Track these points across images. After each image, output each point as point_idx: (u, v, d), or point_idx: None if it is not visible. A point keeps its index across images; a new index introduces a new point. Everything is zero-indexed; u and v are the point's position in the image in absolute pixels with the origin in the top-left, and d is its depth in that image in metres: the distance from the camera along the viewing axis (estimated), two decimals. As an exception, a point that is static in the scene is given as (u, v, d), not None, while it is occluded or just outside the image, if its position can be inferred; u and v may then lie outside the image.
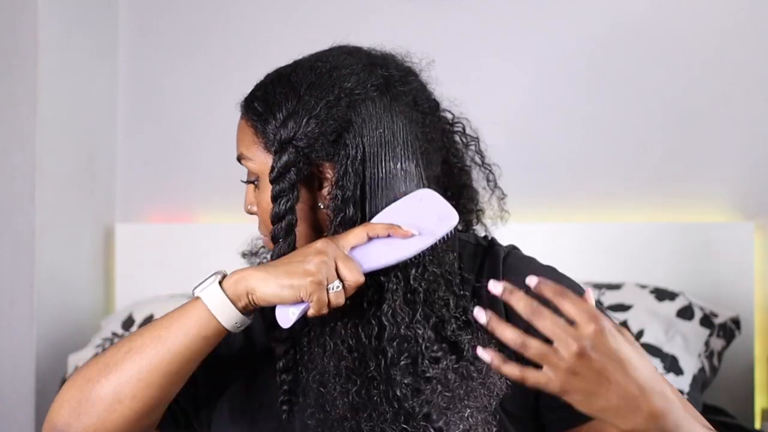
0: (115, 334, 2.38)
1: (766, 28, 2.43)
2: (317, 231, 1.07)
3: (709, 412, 2.08)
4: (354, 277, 0.99)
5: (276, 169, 1.03)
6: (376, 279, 1.03)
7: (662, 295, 2.19)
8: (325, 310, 0.99)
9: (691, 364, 2.04)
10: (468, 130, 1.16)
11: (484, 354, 0.88)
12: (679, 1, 2.49)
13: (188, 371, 1.02)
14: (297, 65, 1.09)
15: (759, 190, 2.41)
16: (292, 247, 1.04)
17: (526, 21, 2.59)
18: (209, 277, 1.01)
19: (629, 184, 2.50)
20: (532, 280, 0.88)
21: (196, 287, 1.01)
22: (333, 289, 0.99)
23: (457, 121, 1.18)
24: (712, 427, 0.97)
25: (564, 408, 0.93)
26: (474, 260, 1.11)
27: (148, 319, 2.38)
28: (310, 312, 0.99)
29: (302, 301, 0.99)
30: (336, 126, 1.03)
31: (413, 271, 1.03)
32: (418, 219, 1.03)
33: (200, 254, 2.66)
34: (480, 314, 0.88)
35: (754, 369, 2.32)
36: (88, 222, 2.74)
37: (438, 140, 1.11)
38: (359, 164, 1.03)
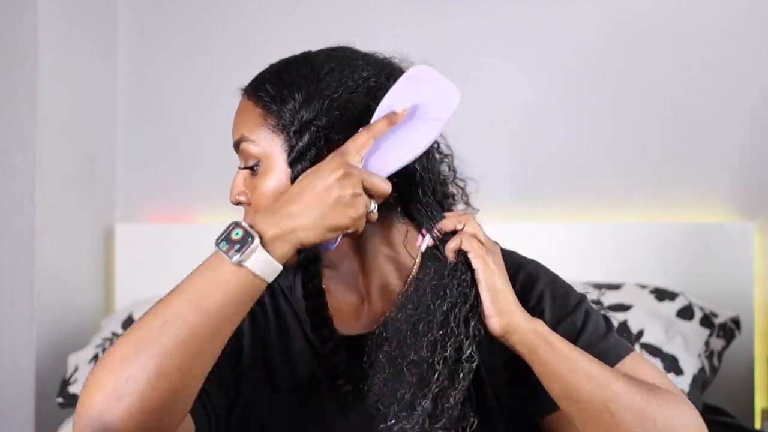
0: (115, 334, 2.38)
1: (766, 28, 2.43)
2: None
3: (709, 412, 2.08)
4: (383, 191, 1.01)
5: (297, 149, 1.03)
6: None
7: (662, 295, 2.19)
8: (361, 230, 1.02)
9: (691, 364, 2.04)
10: (442, 147, 1.15)
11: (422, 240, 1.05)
12: (679, 1, 2.49)
13: (233, 331, 0.98)
14: (308, 54, 1.11)
15: (759, 190, 2.41)
16: None
17: (526, 21, 2.59)
18: (235, 234, 0.95)
19: (629, 184, 2.50)
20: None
21: (231, 253, 0.94)
22: (372, 212, 1.01)
23: None
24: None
25: (539, 396, 1.06)
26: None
27: (148, 319, 2.38)
28: (349, 234, 1.01)
29: None
30: (355, 111, 1.05)
31: (424, 160, 1.07)
32: (420, 102, 1.01)
33: (200, 254, 2.65)
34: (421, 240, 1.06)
35: (754, 369, 2.32)
36: (88, 222, 2.74)
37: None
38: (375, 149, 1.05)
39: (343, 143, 1.04)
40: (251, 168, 1.08)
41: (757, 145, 2.42)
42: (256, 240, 0.94)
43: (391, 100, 1.03)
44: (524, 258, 1.16)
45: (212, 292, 0.94)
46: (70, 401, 2.34)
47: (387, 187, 1.01)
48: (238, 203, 1.11)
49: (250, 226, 0.95)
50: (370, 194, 1.00)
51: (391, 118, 1.02)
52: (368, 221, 1.01)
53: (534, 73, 2.57)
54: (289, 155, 1.04)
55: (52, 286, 2.54)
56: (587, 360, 1.01)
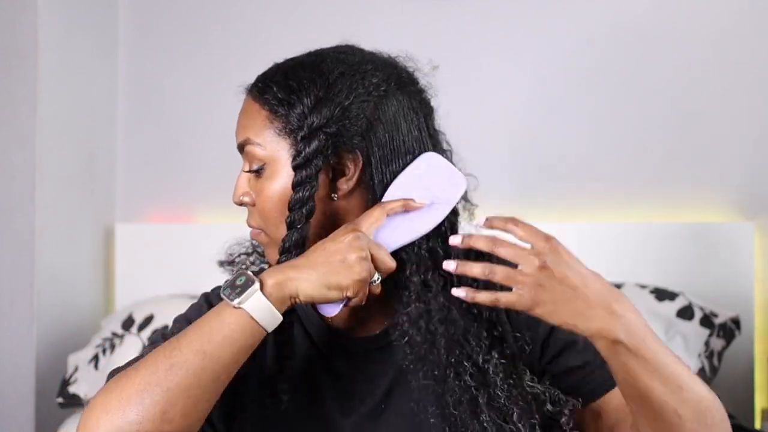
0: (115, 334, 2.38)
1: (766, 28, 2.43)
2: (330, 220, 1.06)
3: (709, 412, 2.08)
4: (388, 266, 1.02)
5: (304, 155, 1.03)
6: (395, 254, 1.05)
7: (662, 295, 2.19)
8: (364, 301, 1.02)
9: (691, 364, 2.04)
10: (443, 143, 1.15)
11: (459, 292, 0.98)
12: (679, 1, 2.49)
13: (232, 376, 1.01)
14: (319, 55, 1.09)
15: (759, 190, 2.41)
16: (305, 235, 1.04)
17: (526, 21, 2.59)
18: (239, 281, 0.99)
19: (629, 184, 2.50)
20: (481, 220, 0.99)
21: (232, 296, 0.98)
22: (374, 282, 1.01)
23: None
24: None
25: (571, 391, 1.05)
26: (467, 255, 1.13)
27: (149, 319, 2.38)
28: (352, 304, 1.01)
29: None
30: (365, 119, 1.04)
31: (435, 241, 1.06)
32: (430, 187, 1.04)
33: (200, 254, 2.65)
34: (448, 264, 0.98)
35: (754, 369, 2.32)
36: (88, 222, 2.74)
37: (437, 143, 1.12)
38: (382, 159, 1.05)
39: (346, 153, 1.04)
40: (256, 171, 1.07)
41: (757, 145, 2.42)
42: (256, 284, 0.98)
43: (404, 183, 1.05)
44: None
45: (214, 336, 0.97)
46: (70, 401, 2.34)
47: (392, 264, 1.02)
48: (242, 204, 1.10)
49: (255, 274, 0.99)
50: (375, 266, 1.01)
51: (408, 204, 1.03)
52: (371, 292, 1.02)
53: (534, 73, 2.57)
54: (294, 159, 1.04)
55: (52, 286, 2.54)
56: (664, 360, 0.98)
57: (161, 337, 1.10)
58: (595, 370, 1.08)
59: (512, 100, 2.58)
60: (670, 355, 0.99)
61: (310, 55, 1.10)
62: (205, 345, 0.97)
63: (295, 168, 1.03)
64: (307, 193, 1.03)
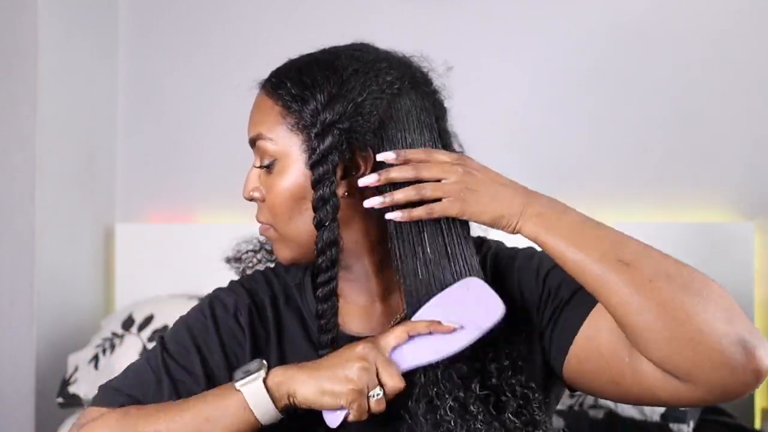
0: (115, 334, 2.38)
1: (766, 28, 2.43)
2: (341, 216, 1.05)
3: (709, 412, 2.08)
4: (394, 384, 1.00)
5: (319, 152, 1.03)
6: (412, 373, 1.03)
7: (662, 295, 2.19)
8: (365, 417, 1.00)
9: (691, 364, 2.04)
10: (455, 145, 1.15)
11: (393, 215, 1.03)
12: (679, 1, 2.49)
13: None
14: (333, 52, 1.09)
15: (759, 190, 2.41)
16: (336, 231, 1.04)
17: (526, 21, 2.59)
18: (252, 367, 1.01)
19: (629, 184, 2.50)
20: (388, 156, 1.03)
21: (238, 377, 1.01)
22: (374, 396, 0.99)
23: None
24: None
25: (556, 334, 1.07)
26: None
27: (149, 319, 2.38)
28: (350, 418, 1.00)
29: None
30: (378, 116, 1.05)
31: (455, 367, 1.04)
32: (464, 310, 1.02)
33: (200, 254, 2.66)
34: (373, 201, 1.04)
35: (754, 369, 2.31)
36: (88, 222, 2.74)
37: (447, 145, 1.12)
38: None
39: (359, 150, 1.04)
40: (267, 166, 1.08)
41: (757, 145, 2.42)
42: (261, 372, 1.01)
43: (439, 303, 1.03)
44: (516, 248, 1.18)
45: (211, 415, 1.01)
46: (70, 401, 2.34)
47: (398, 384, 1.00)
48: (252, 199, 1.10)
49: (268, 367, 1.02)
50: (381, 382, 1.00)
51: (435, 326, 1.01)
52: (371, 408, 1.00)
53: (534, 73, 2.57)
54: (309, 157, 1.04)
55: (52, 286, 2.54)
56: (594, 223, 1.08)
57: (159, 351, 1.11)
58: (563, 310, 1.08)
59: (512, 100, 2.58)
60: (602, 223, 1.07)
61: (324, 52, 1.10)
62: (203, 424, 1.01)
63: (312, 166, 1.03)
64: (328, 190, 1.03)
